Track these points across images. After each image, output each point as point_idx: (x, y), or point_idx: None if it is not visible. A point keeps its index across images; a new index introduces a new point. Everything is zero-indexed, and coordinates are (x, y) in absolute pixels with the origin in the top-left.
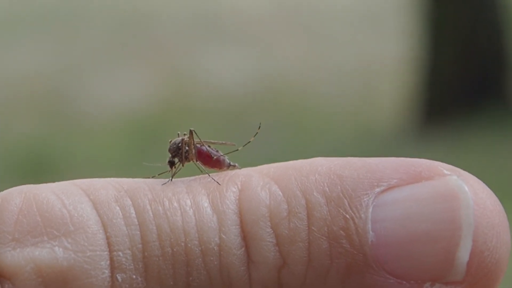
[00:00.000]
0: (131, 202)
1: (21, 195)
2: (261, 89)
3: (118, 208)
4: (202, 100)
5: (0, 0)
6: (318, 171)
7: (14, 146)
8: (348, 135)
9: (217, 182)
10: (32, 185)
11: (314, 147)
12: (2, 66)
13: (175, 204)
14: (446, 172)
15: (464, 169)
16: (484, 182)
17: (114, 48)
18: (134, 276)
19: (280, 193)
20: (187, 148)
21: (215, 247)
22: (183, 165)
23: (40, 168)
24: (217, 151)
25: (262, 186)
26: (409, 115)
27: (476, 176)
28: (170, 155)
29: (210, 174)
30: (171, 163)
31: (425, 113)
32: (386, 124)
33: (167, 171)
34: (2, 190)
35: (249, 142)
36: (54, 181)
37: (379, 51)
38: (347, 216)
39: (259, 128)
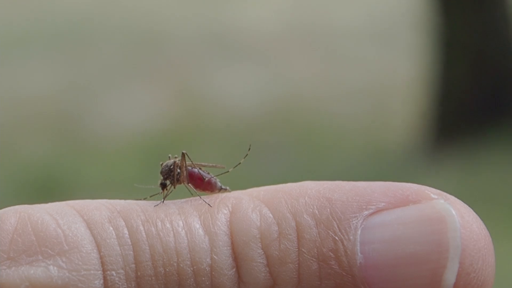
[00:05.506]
0: (124, 223)
1: (16, 215)
2: (272, 108)
3: (111, 228)
4: (214, 120)
5: (11, 18)
6: (308, 194)
7: (24, 167)
8: (361, 154)
9: (208, 204)
10: (26, 205)
11: (326, 167)
12: (13, 85)
13: (168, 225)
14: (433, 196)
15: (477, 187)
16: (497, 200)
17: (125, 67)
18: None
19: (270, 215)
20: (179, 170)
21: (206, 268)
22: (174, 187)
23: (51, 189)
24: (208, 173)
25: (253, 208)
26: (421, 133)
27: (490, 194)
28: (162, 177)
29: (201, 197)
30: (163, 185)
31: (437, 131)
32: (398, 143)
33: (159, 193)
34: None
35: (239, 164)
36: None
37: (391, 70)
38: (336, 238)
39: (249, 149)
